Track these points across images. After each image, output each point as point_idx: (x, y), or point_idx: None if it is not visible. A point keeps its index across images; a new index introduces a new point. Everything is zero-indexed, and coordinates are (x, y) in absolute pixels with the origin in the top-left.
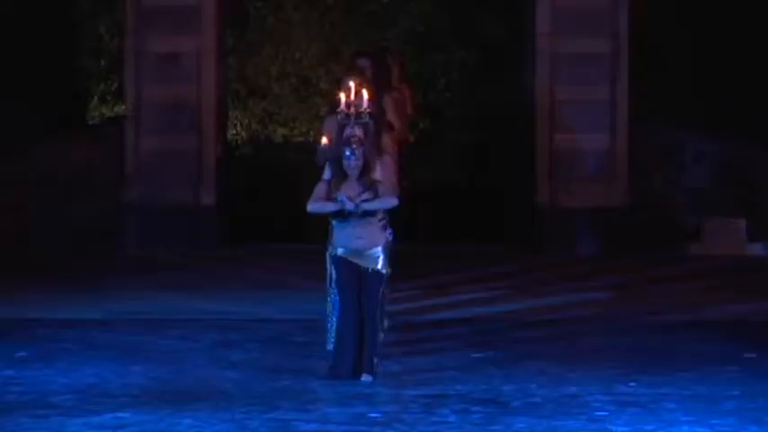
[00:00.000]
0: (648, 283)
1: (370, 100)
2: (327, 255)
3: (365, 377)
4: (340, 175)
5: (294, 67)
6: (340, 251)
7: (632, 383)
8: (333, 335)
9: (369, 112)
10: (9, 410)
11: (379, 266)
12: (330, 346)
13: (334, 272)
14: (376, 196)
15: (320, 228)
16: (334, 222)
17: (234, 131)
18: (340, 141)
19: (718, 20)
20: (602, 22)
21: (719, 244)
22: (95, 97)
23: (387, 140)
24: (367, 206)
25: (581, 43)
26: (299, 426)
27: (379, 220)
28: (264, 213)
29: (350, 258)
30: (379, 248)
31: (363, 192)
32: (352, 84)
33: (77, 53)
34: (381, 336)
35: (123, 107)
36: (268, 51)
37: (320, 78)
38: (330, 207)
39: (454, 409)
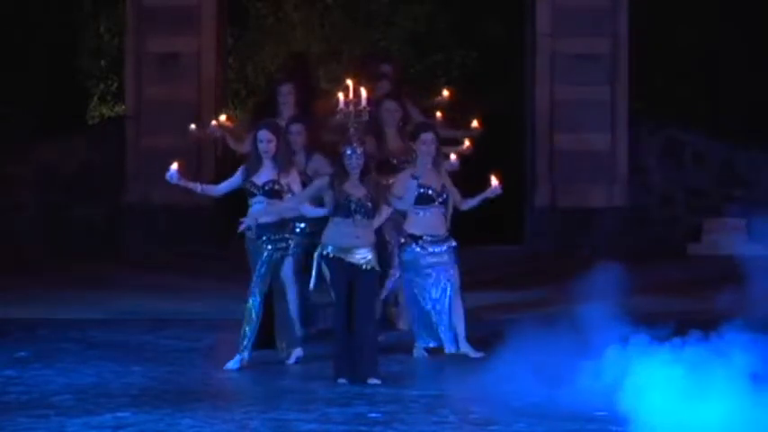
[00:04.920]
0: (648, 283)
1: (368, 99)
2: (316, 254)
3: (372, 380)
4: (342, 174)
5: None
6: (330, 249)
7: None
8: (246, 340)
9: (369, 111)
10: (9, 410)
11: (373, 263)
12: (241, 349)
13: (326, 272)
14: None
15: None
16: (332, 219)
17: None
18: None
19: (718, 20)
20: (602, 22)
21: (719, 244)
22: (95, 97)
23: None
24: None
25: (581, 43)
26: (299, 426)
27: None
28: None
29: (340, 256)
30: (370, 248)
31: (367, 192)
32: (350, 83)
33: (77, 53)
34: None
35: (123, 107)
36: (268, 51)
37: (320, 78)
38: (319, 212)
39: (454, 409)
